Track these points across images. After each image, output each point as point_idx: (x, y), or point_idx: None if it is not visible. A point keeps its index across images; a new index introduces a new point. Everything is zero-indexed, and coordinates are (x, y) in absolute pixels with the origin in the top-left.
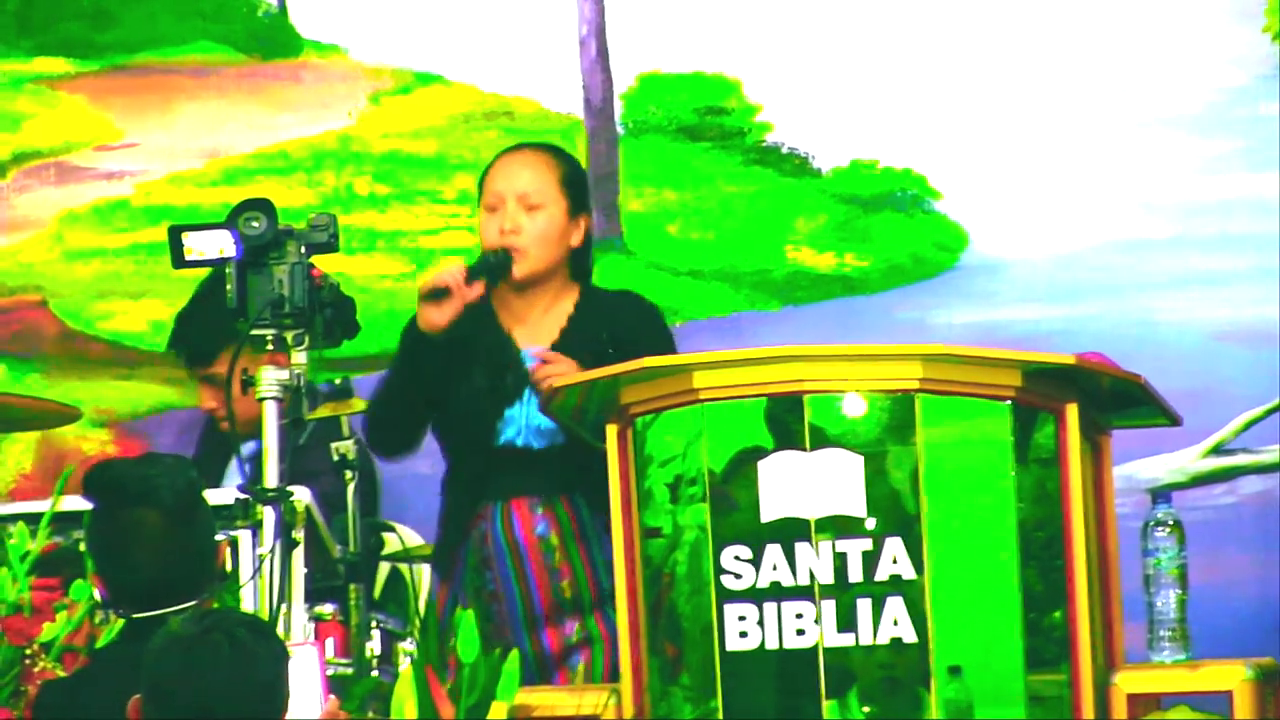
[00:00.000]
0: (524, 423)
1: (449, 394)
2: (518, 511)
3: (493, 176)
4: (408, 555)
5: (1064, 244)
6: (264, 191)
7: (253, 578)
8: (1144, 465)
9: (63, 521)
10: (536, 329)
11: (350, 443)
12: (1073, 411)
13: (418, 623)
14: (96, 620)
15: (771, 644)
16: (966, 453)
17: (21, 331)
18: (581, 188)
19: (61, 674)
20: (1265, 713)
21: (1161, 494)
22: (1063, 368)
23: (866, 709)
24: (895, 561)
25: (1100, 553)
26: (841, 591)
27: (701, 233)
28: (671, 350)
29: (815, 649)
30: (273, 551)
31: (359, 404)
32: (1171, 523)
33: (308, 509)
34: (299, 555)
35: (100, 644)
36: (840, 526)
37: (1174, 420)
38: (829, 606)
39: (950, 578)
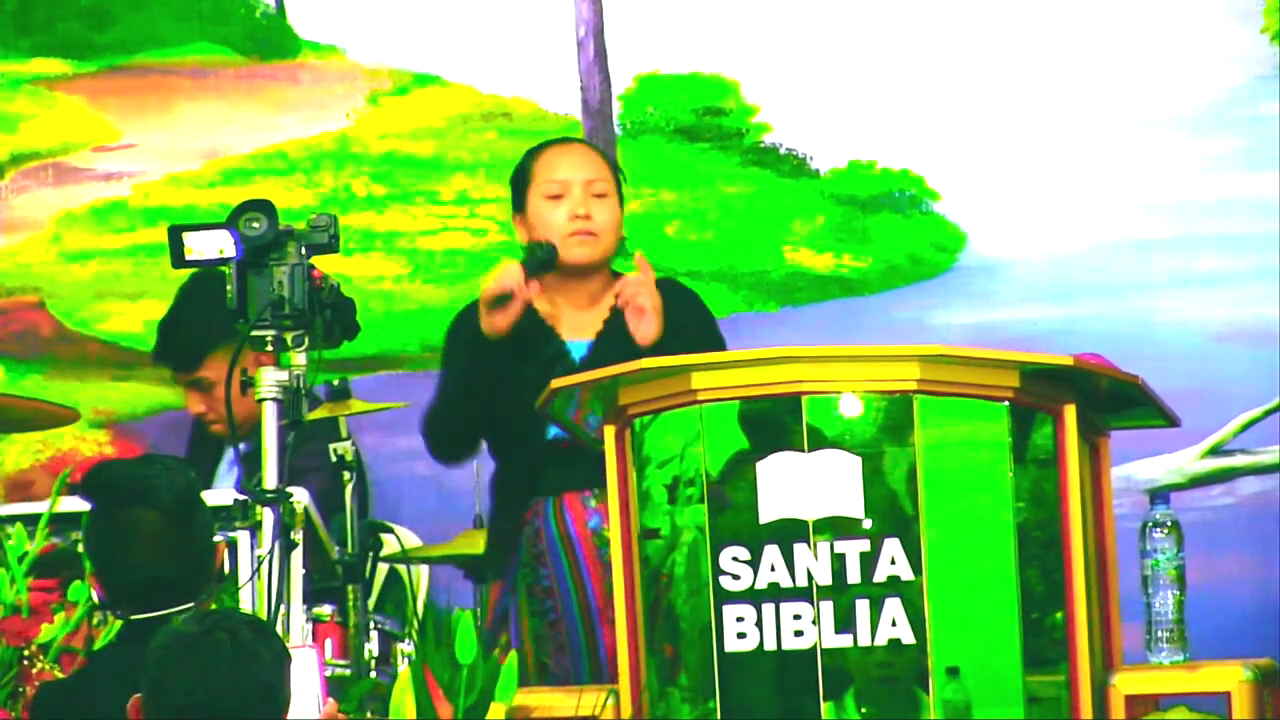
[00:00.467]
0: None
1: (496, 390)
2: (570, 505)
3: (552, 166)
4: (406, 557)
5: (1063, 244)
6: (262, 192)
7: (251, 579)
8: (1142, 466)
9: (61, 523)
10: (580, 320)
11: (348, 444)
12: (1071, 412)
13: (416, 624)
14: (94, 621)
15: (770, 645)
16: (964, 453)
17: (19, 332)
18: (622, 181)
19: (59, 675)
20: (1263, 713)
21: (1160, 495)
22: (1061, 368)
23: (864, 710)
24: (893, 562)
25: (1098, 553)
26: (840, 592)
27: (699, 234)
28: (718, 334)
29: (813, 650)
30: (271, 553)
31: (357, 405)
32: (1169, 524)
33: (306, 510)
34: (298, 556)
35: (98, 645)
36: (838, 527)
37: (1172, 421)
38: (827, 607)
39: (948, 579)
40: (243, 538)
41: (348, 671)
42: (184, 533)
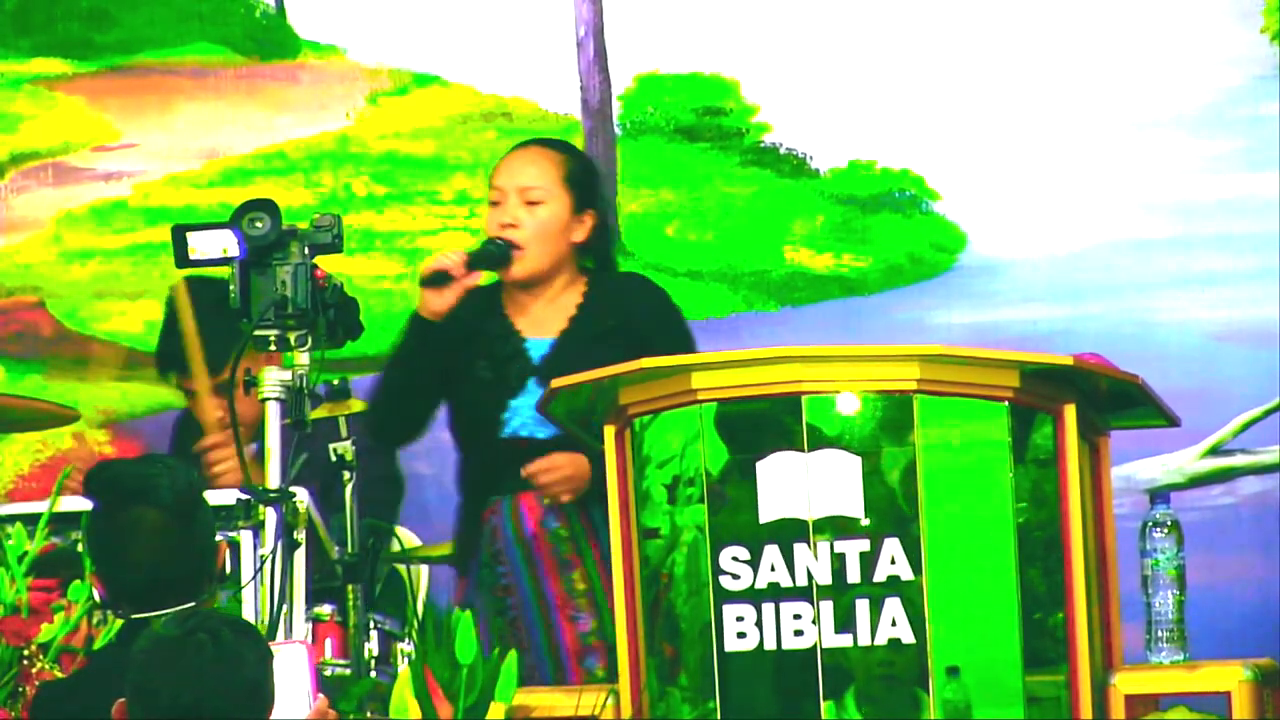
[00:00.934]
0: (529, 414)
1: (456, 386)
2: (526, 504)
3: (497, 171)
4: (406, 557)
5: (1063, 244)
6: (262, 192)
7: (254, 578)
8: (1142, 466)
9: (61, 522)
10: (543, 318)
11: (348, 443)
12: (1071, 412)
13: (416, 623)
14: (94, 621)
15: (770, 645)
16: (964, 453)
17: (19, 332)
18: (587, 184)
19: (59, 675)
20: (1263, 713)
21: (1160, 495)
22: (1061, 368)
23: (864, 710)
24: (893, 562)
25: (1098, 553)
26: (840, 592)
27: (699, 233)
28: (685, 329)
29: (813, 650)
30: (274, 552)
31: (357, 405)
32: (1169, 523)
33: (307, 510)
34: (300, 556)
35: (98, 645)
36: (838, 527)
37: (1172, 421)
38: (827, 607)
39: (948, 578)
40: (245, 537)
41: (348, 671)
42: (184, 532)
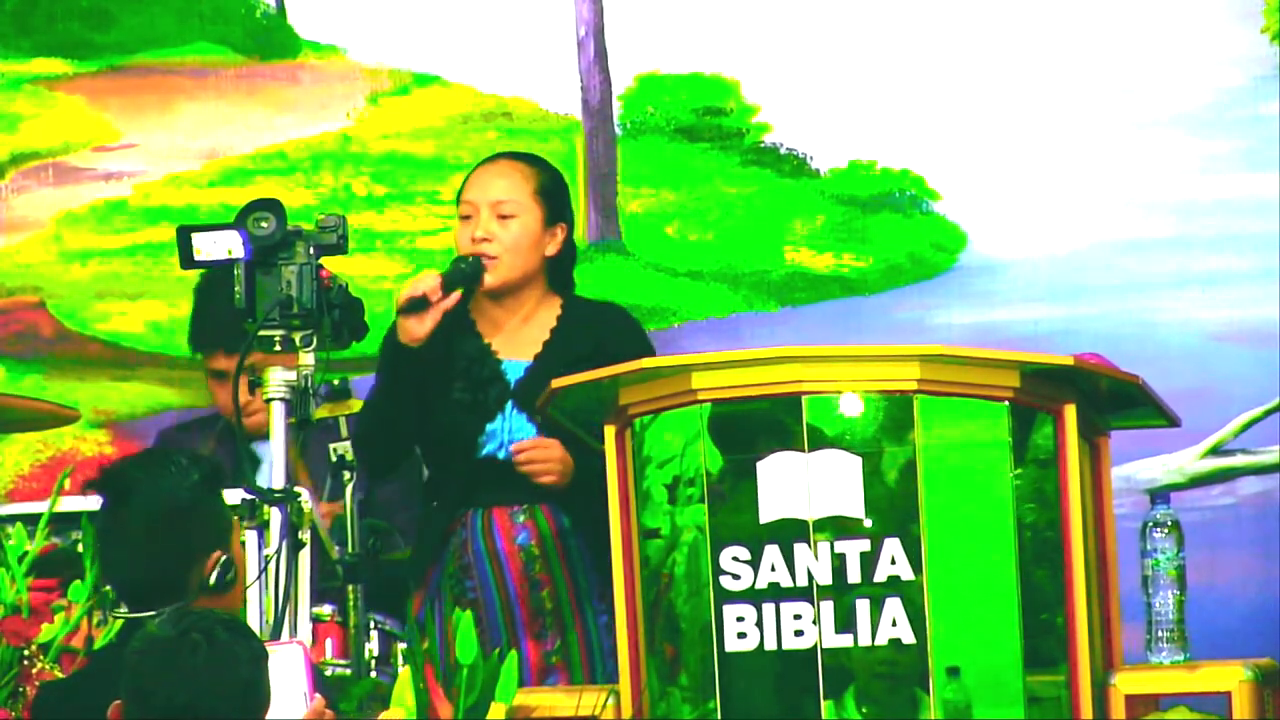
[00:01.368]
0: (505, 436)
1: (430, 406)
2: (498, 519)
3: (467, 186)
4: (406, 556)
5: (1063, 244)
6: (262, 192)
7: (258, 578)
8: (1142, 466)
9: (61, 522)
10: (517, 339)
11: (348, 444)
12: (1071, 412)
13: (415, 624)
14: (95, 621)
15: (770, 645)
16: (965, 453)
17: (19, 332)
18: (558, 197)
19: (59, 675)
20: (1263, 714)
21: (1160, 495)
22: (1061, 368)
23: (864, 709)
24: (894, 562)
25: (1098, 553)
26: (840, 592)
27: (700, 233)
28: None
29: (814, 650)
30: (279, 552)
31: (357, 405)
32: (1170, 523)
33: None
34: (305, 556)
35: (98, 645)
36: (838, 527)
37: (1172, 421)
38: (827, 607)
39: (949, 578)
40: (250, 537)
41: (348, 671)
42: (168, 534)
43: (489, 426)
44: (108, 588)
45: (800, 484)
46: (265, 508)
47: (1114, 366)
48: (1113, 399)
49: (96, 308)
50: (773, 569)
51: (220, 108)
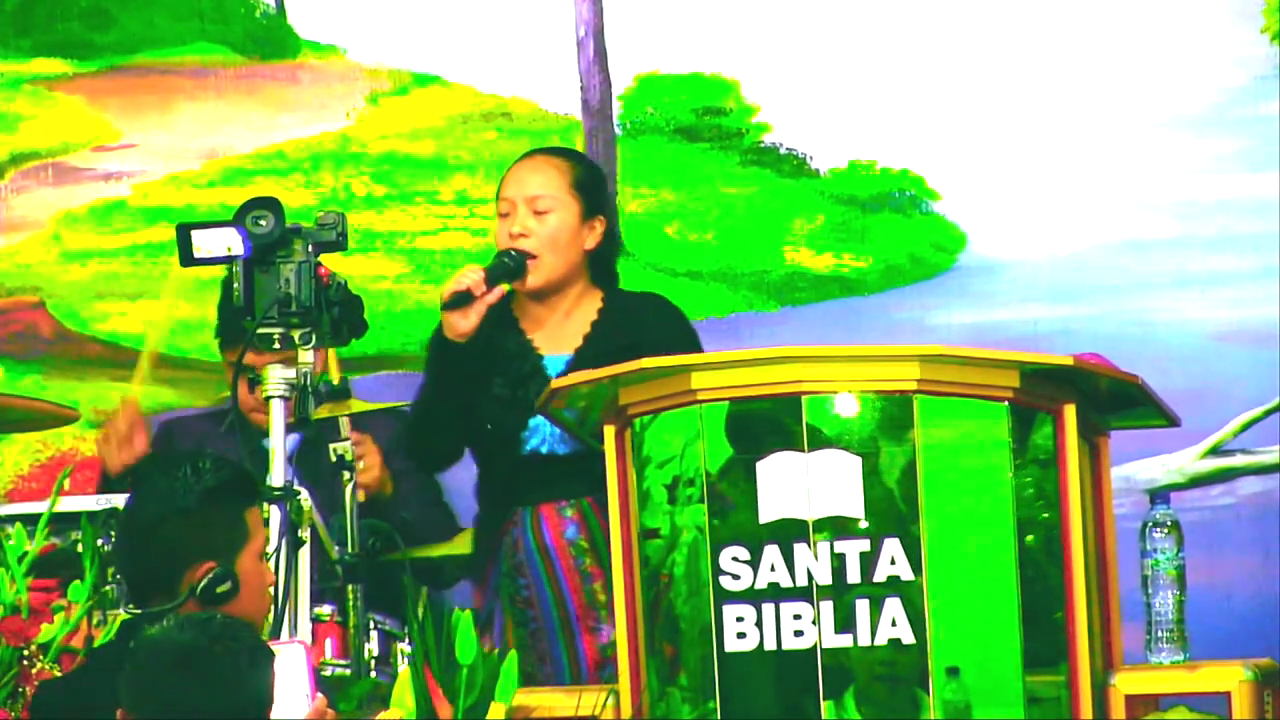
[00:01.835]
0: (549, 431)
1: (474, 404)
2: (547, 516)
3: (505, 183)
4: (406, 556)
5: (1063, 244)
6: (262, 192)
7: None
8: (1142, 466)
9: (61, 523)
10: (559, 334)
11: (348, 443)
12: (1070, 412)
13: (416, 624)
14: (95, 621)
15: (770, 645)
16: (964, 454)
17: (19, 332)
18: (595, 191)
19: (59, 675)
20: (1263, 713)
21: (1159, 495)
22: (1061, 368)
23: (864, 710)
24: (893, 562)
25: (1098, 553)
26: (840, 592)
27: (699, 234)
28: (698, 350)
29: (813, 650)
30: (278, 551)
31: (357, 405)
32: (1169, 524)
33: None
34: (305, 554)
35: (97, 645)
36: (838, 527)
37: (1172, 421)
38: (827, 607)
39: (948, 579)
40: None
41: (348, 671)
42: (166, 537)
43: (531, 422)
44: (108, 587)
45: (800, 484)
46: (265, 505)
47: (1114, 366)
48: (1113, 399)
49: (96, 308)
50: (772, 569)
51: (220, 108)
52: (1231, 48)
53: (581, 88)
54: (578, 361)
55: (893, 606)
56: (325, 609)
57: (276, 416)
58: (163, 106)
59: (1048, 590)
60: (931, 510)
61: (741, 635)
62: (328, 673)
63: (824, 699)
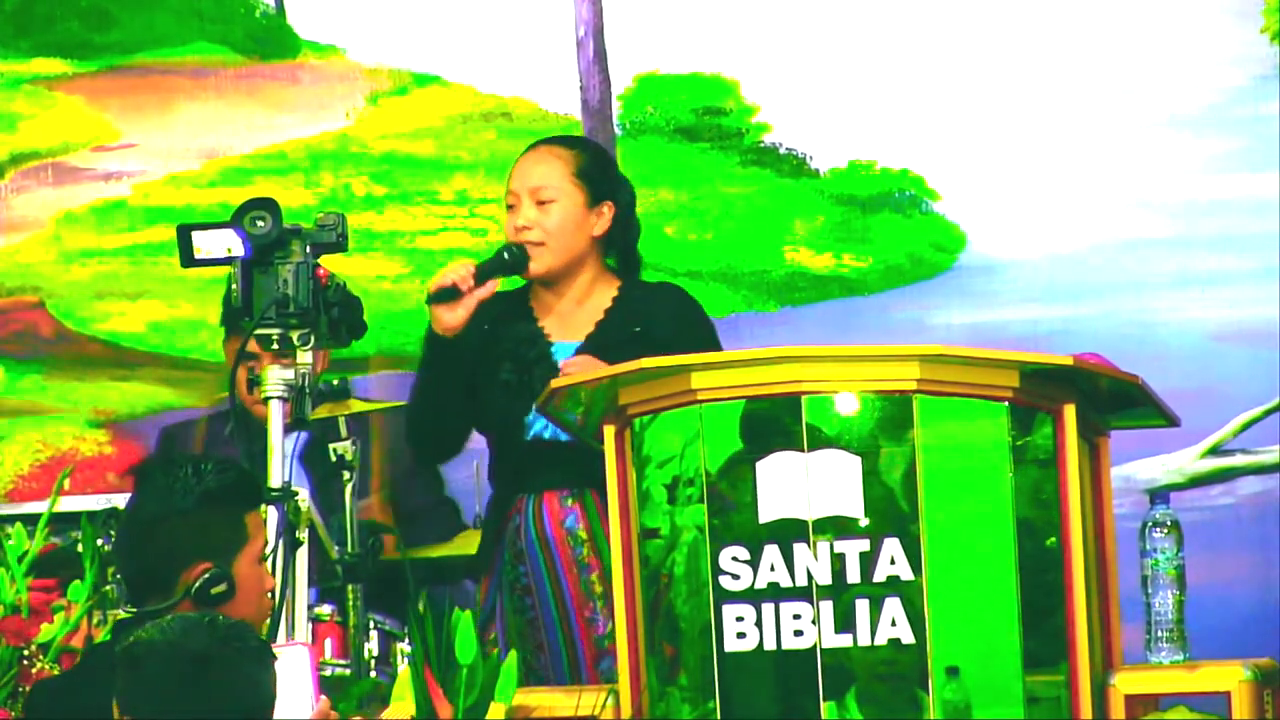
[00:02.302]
0: None
1: (482, 390)
2: (548, 505)
3: (511, 176)
4: (406, 556)
5: (1063, 244)
6: (262, 192)
7: None
8: (1142, 466)
9: (61, 523)
10: (571, 321)
11: (348, 443)
12: (1070, 412)
13: (415, 624)
14: (94, 621)
15: (770, 645)
16: (964, 453)
17: (19, 332)
18: (600, 177)
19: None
20: (1263, 713)
21: (1159, 495)
22: (1061, 368)
23: (864, 710)
24: (893, 562)
25: (1098, 553)
26: (839, 592)
27: (699, 234)
28: (714, 343)
29: (813, 650)
30: (275, 551)
31: (357, 405)
32: (1169, 523)
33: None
34: (303, 555)
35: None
36: (838, 527)
37: (1172, 421)
38: (827, 607)
39: (948, 579)
40: None
41: (348, 671)
42: (161, 537)
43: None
44: (108, 587)
45: (800, 484)
46: (262, 506)
47: (1114, 366)
48: (1113, 399)
49: (96, 308)
50: (772, 569)
51: (220, 108)
52: (1231, 48)
53: (581, 88)
54: (587, 349)
55: (893, 606)
56: (325, 609)
57: (275, 417)
58: (163, 106)
59: (1048, 590)
60: (931, 510)
61: (741, 635)
62: (327, 673)
63: (824, 699)
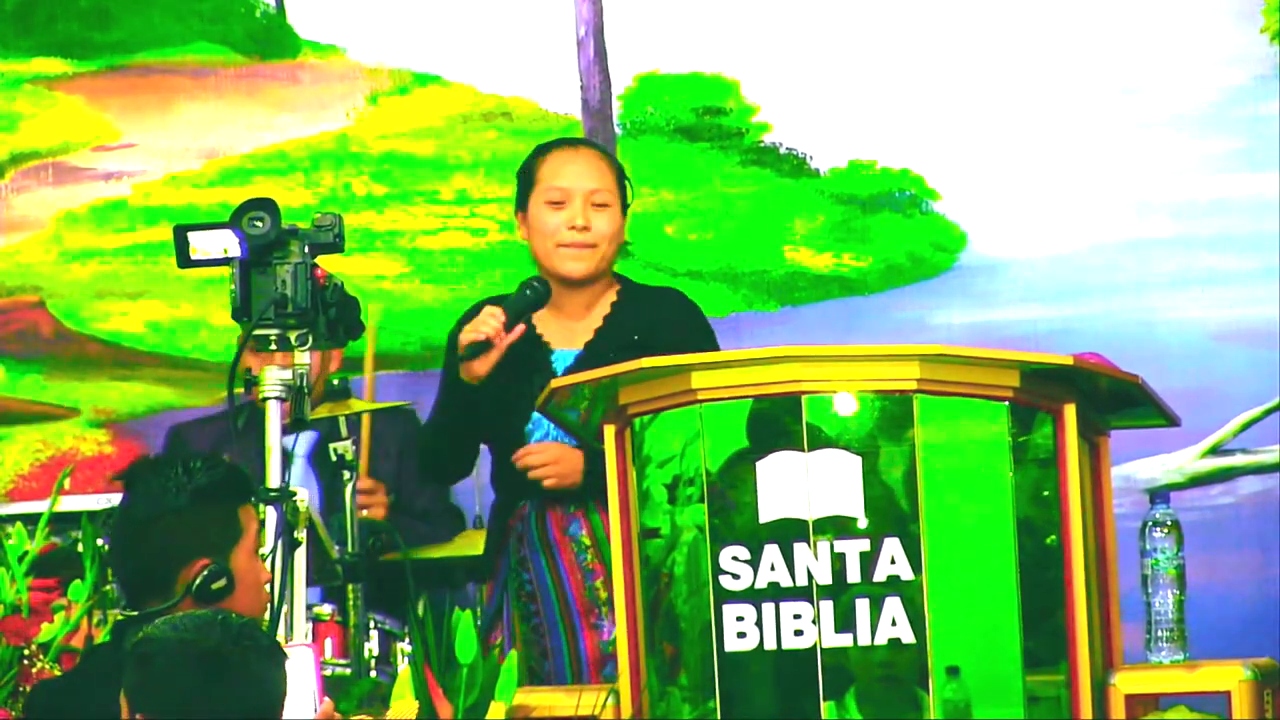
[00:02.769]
0: (550, 425)
1: (484, 398)
2: (551, 511)
3: (555, 173)
4: (406, 556)
5: (1063, 244)
6: (262, 192)
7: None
8: (1142, 465)
9: (61, 523)
10: (573, 328)
11: (348, 443)
12: (1070, 412)
13: (415, 624)
14: (95, 621)
15: (770, 644)
16: (964, 453)
17: (20, 332)
18: (627, 186)
19: (59, 674)
20: (1263, 713)
21: (1159, 494)
22: (1061, 368)
23: (865, 709)
24: (893, 562)
25: (1098, 553)
26: (840, 592)
27: (700, 233)
28: (713, 346)
29: (813, 649)
30: (274, 551)
31: (357, 404)
32: (1169, 523)
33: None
34: (301, 555)
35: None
36: (838, 527)
37: (1172, 421)
38: (827, 607)
39: (948, 578)
40: None
41: (348, 671)
42: (159, 536)
43: (535, 414)
44: (108, 587)
45: (800, 484)
46: (261, 506)
47: (1114, 366)
48: (1113, 399)
49: (96, 307)
50: (772, 569)
51: (220, 108)
52: (1231, 48)
53: (581, 87)
54: (587, 355)
55: (893, 606)
56: (325, 609)
57: (272, 418)
58: (163, 106)
59: (1048, 590)
60: (931, 510)
61: (742, 635)
62: (328, 672)
63: (824, 699)
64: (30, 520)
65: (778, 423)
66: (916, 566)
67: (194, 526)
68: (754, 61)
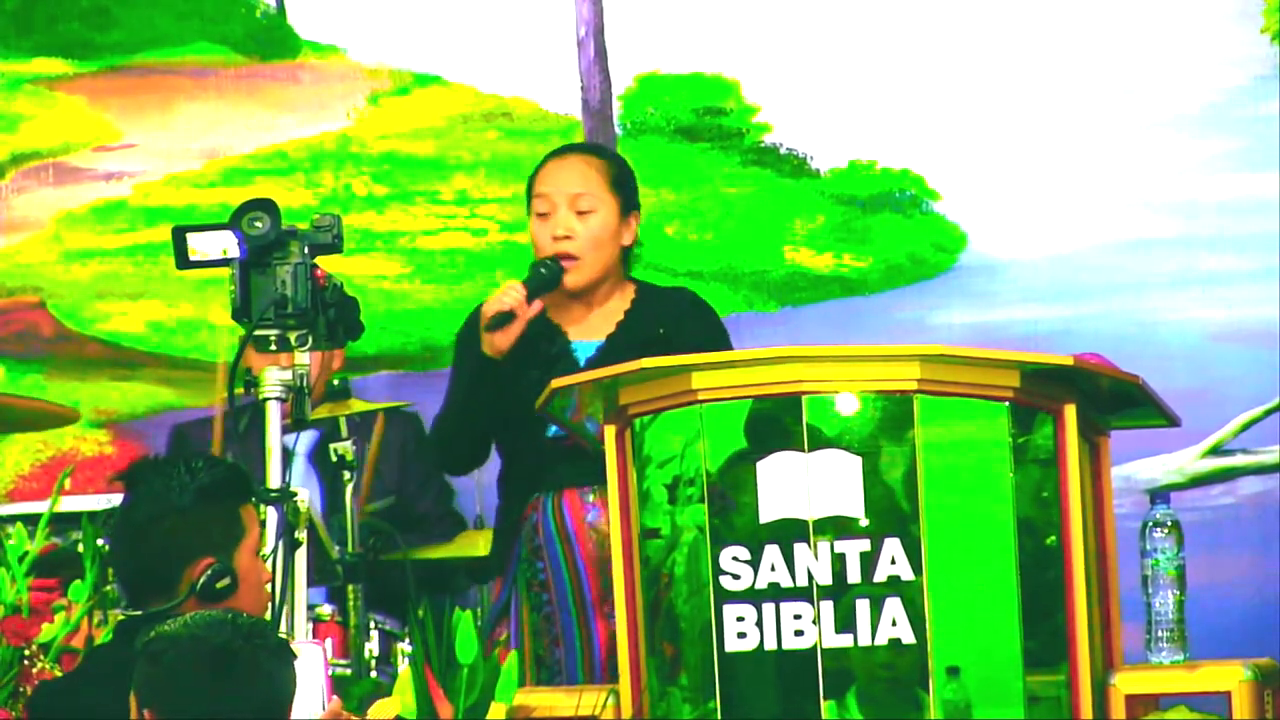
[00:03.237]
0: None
1: (501, 391)
2: (568, 500)
3: (541, 181)
4: (406, 556)
5: (1063, 244)
6: (262, 192)
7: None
8: (1142, 466)
9: (61, 523)
10: (589, 322)
11: (348, 443)
12: (1071, 412)
13: (415, 624)
14: (95, 621)
15: (770, 645)
16: (964, 453)
17: (19, 332)
18: (630, 186)
19: (60, 675)
20: (1263, 713)
21: (1160, 494)
22: (1061, 368)
23: (865, 710)
24: (894, 562)
25: (1098, 553)
26: (840, 592)
27: (700, 234)
28: (726, 346)
29: (814, 650)
30: (275, 552)
31: (357, 404)
32: (1170, 523)
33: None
34: (302, 556)
35: (98, 645)
36: (838, 527)
37: (1172, 421)
38: (827, 607)
39: (948, 578)
40: None
41: (348, 671)
42: (162, 536)
43: None
44: (108, 587)
45: (800, 484)
46: (261, 507)
47: (1114, 366)
48: (1113, 399)
49: (96, 308)
50: (773, 569)
51: (220, 108)
52: (1231, 48)
53: (582, 88)
54: (609, 347)
55: (893, 606)
56: (325, 609)
57: (272, 418)
58: (163, 106)
59: (1048, 590)
60: (932, 510)
61: (742, 635)
62: (329, 672)
63: (824, 699)
64: (30, 520)
65: (778, 423)
66: (917, 567)
67: (197, 526)
68: (754, 62)
